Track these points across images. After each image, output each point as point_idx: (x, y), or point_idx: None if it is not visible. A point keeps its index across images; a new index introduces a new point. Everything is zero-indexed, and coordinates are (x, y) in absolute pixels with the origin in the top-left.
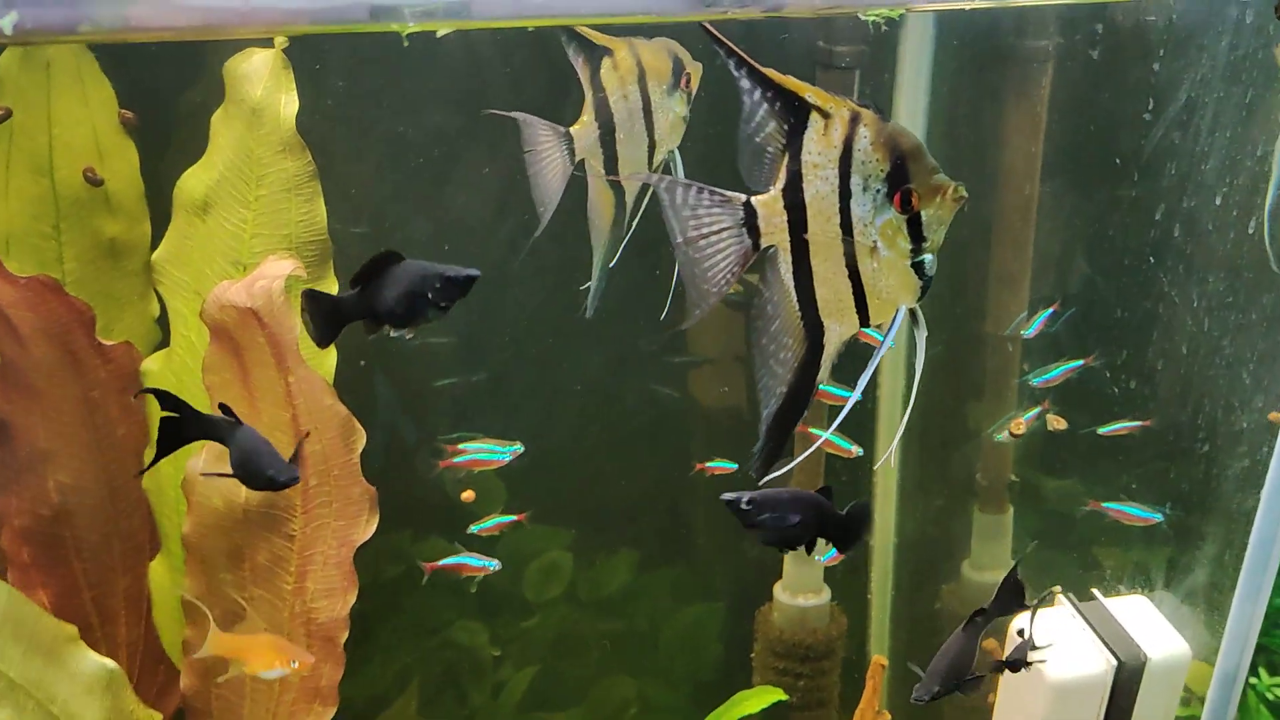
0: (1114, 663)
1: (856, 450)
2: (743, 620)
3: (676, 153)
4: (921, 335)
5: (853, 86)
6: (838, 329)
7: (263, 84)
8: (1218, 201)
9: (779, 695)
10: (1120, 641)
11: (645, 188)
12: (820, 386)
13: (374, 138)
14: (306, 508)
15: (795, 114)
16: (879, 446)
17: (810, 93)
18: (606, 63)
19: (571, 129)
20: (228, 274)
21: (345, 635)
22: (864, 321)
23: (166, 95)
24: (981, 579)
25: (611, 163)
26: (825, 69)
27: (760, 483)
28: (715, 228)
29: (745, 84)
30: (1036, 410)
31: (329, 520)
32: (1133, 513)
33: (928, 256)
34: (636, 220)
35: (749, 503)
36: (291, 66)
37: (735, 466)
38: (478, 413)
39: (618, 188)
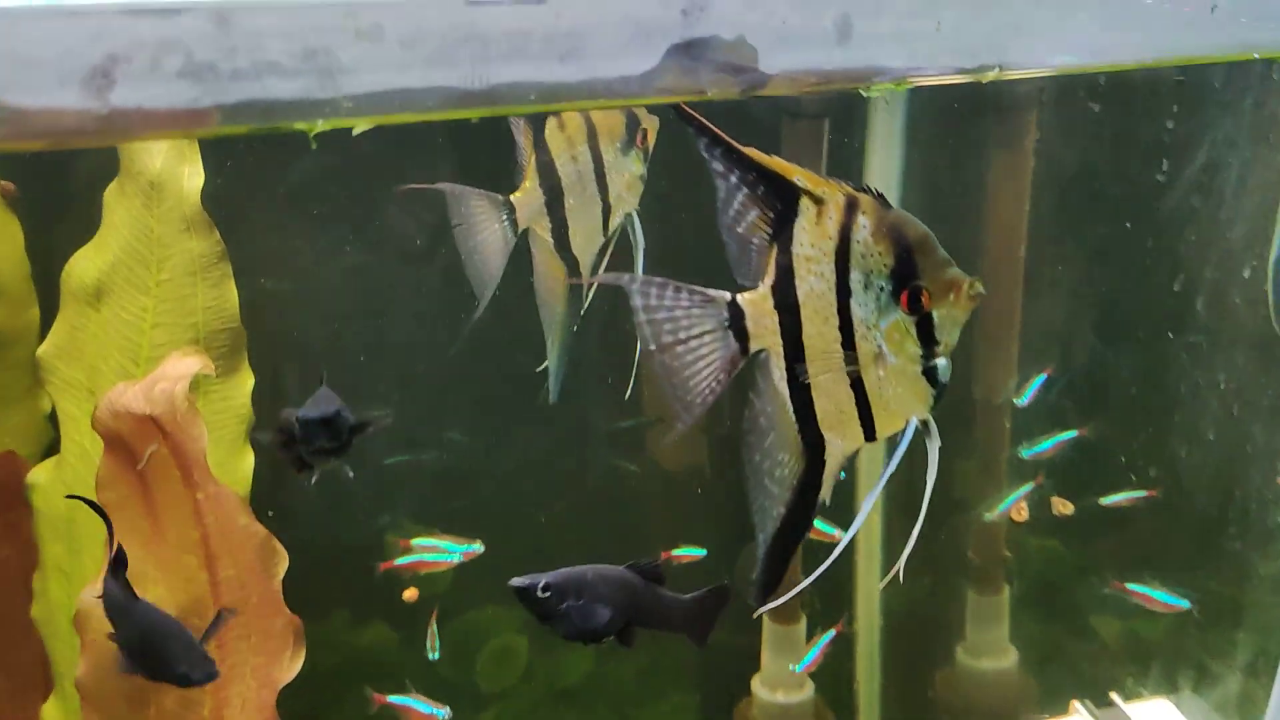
0: None
1: (840, 534)
2: (718, 713)
3: (635, 215)
4: (934, 446)
5: (822, 136)
6: (840, 444)
7: (162, 155)
8: (1245, 274)
9: None
10: None
11: (602, 254)
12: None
13: (286, 219)
14: (220, 642)
15: (783, 200)
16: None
17: (799, 175)
18: (551, 122)
19: (513, 197)
20: (125, 371)
21: None
22: (869, 436)
23: (55, 164)
24: (979, 665)
25: (561, 231)
26: (793, 117)
27: (756, 614)
28: (695, 331)
29: (718, 166)
30: (1029, 486)
31: (247, 657)
32: (1158, 597)
33: (941, 361)
34: (591, 294)
35: (545, 589)
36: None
37: (704, 552)
38: (426, 491)
39: (569, 256)
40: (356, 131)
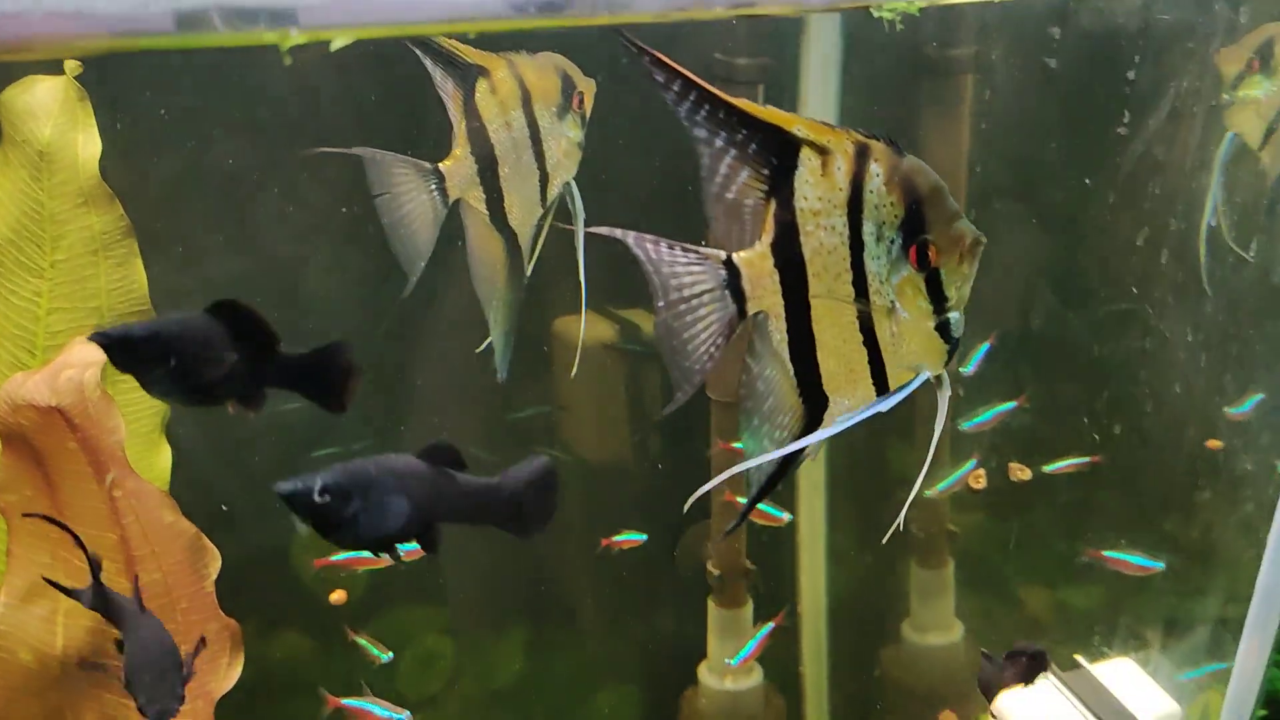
0: None
1: (786, 517)
2: (663, 704)
3: (573, 184)
4: (945, 395)
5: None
6: (846, 403)
7: (52, 121)
8: (1213, 223)
9: None
10: (1108, 712)
11: (539, 229)
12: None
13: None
14: None
15: (780, 153)
16: (800, 504)
17: (799, 124)
18: (483, 85)
19: (442, 165)
20: (19, 363)
21: None
22: (880, 391)
23: None
24: (924, 641)
25: (496, 202)
26: (725, 84)
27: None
28: (696, 290)
29: (701, 131)
30: (972, 464)
31: None
32: (1134, 561)
33: (954, 315)
34: (531, 267)
35: (324, 492)
36: (88, 97)
37: (644, 537)
38: None
39: (506, 231)
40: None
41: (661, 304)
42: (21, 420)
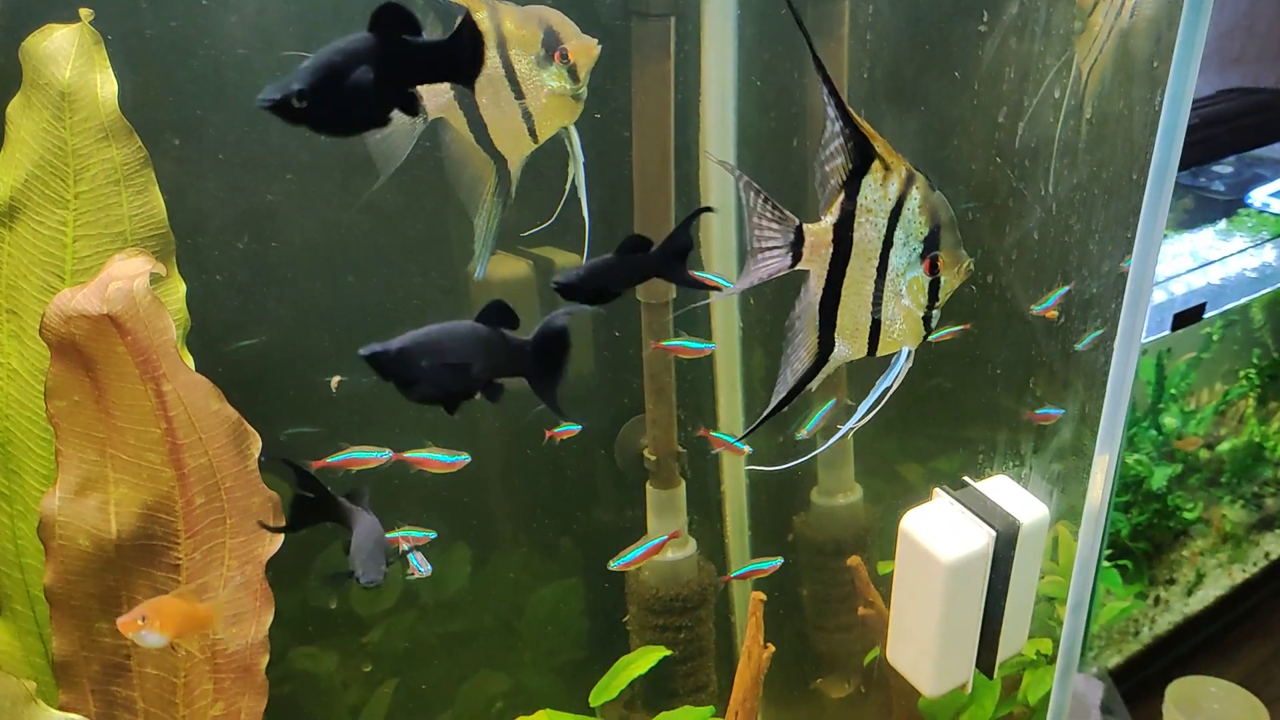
0: (992, 534)
1: (747, 450)
2: (602, 592)
3: (572, 130)
4: (907, 363)
5: (668, 34)
6: (846, 351)
7: (70, 64)
8: (1056, 94)
9: (663, 652)
10: (994, 516)
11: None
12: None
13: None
14: (192, 531)
15: (862, 157)
16: (720, 395)
17: (879, 143)
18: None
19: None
20: (50, 286)
21: (265, 660)
22: (871, 352)
23: None
24: (830, 503)
25: (479, 129)
26: (641, 18)
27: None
28: (770, 244)
29: (830, 113)
30: (832, 402)
31: (224, 540)
32: (1050, 412)
33: (935, 312)
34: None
35: (401, 352)
36: (102, 40)
37: (579, 427)
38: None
39: (492, 152)
40: None
41: (751, 248)
42: (73, 330)
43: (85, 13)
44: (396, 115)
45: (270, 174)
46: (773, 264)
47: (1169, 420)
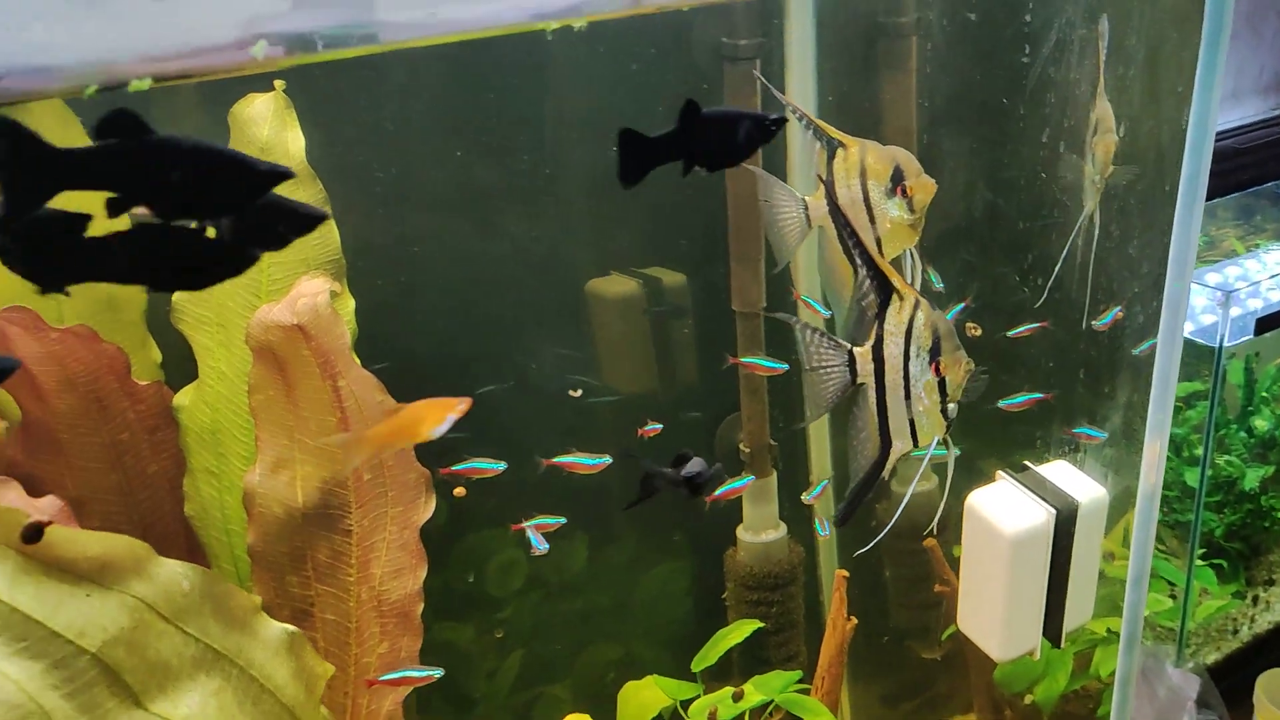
0: (1052, 512)
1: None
2: (703, 572)
3: (911, 252)
4: (951, 456)
5: (755, 76)
6: (900, 446)
7: (268, 124)
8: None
9: (756, 624)
10: (1054, 496)
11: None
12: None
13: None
14: (361, 502)
15: (884, 292)
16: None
17: (896, 279)
18: (841, 153)
19: (807, 197)
20: (249, 304)
21: (420, 607)
22: (915, 444)
23: None
24: (905, 491)
25: (845, 241)
26: (732, 61)
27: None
28: (828, 363)
29: (858, 261)
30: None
31: (386, 509)
32: (1089, 434)
33: (951, 405)
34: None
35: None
36: (293, 105)
37: (660, 426)
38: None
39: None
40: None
41: (808, 367)
42: (270, 337)
43: (279, 84)
44: (794, 217)
45: (418, 209)
46: (836, 381)
47: (1260, 423)
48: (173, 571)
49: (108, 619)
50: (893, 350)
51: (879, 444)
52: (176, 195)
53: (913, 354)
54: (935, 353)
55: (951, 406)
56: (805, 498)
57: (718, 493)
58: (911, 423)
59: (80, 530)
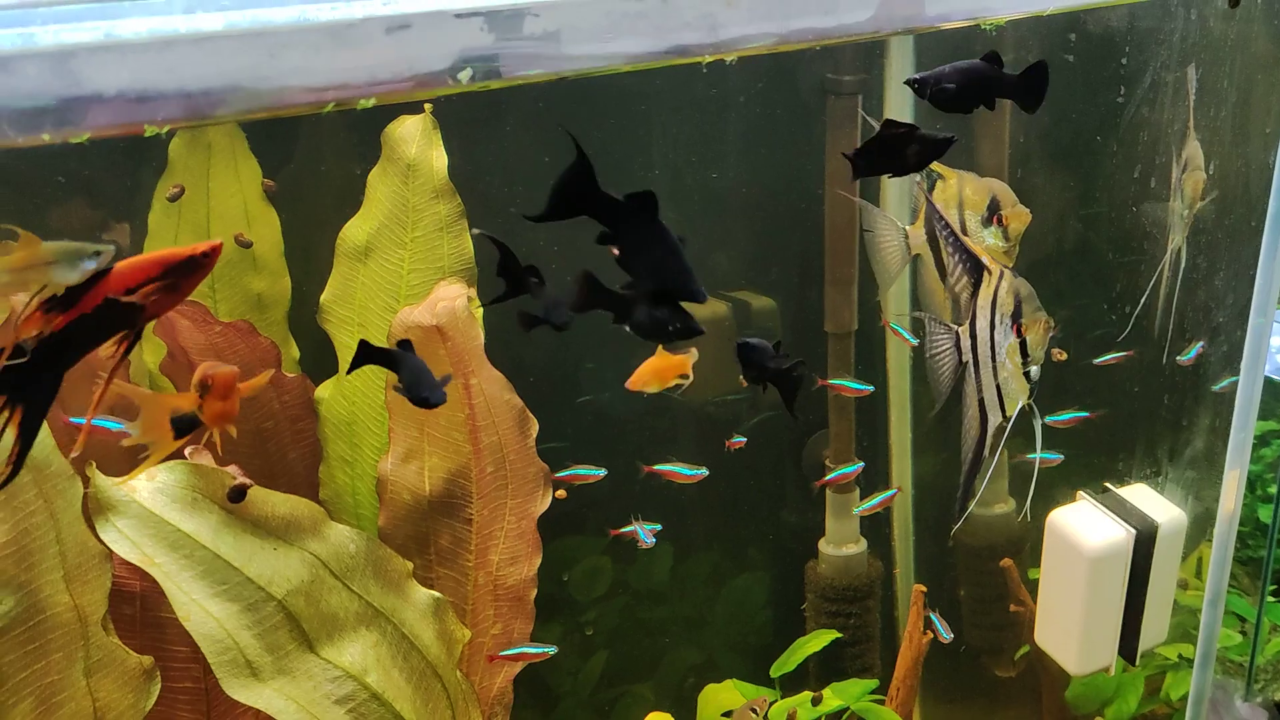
0: (1132, 532)
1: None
2: (782, 586)
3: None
4: (1038, 422)
5: (857, 109)
6: (994, 419)
7: (416, 143)
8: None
9: (834, 635)
10: (1133, 517)
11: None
12: None
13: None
14: (482, 493)
15: (975, 273)
16: (892, 413)
17: (986, 257)
18: (940, 184)
19: (908, 226)
20: (389, 307)
21: (534, 593)
22: (1004, 414)
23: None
24: (984, 513)
25: (940, 265)
26: (836, 96)
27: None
28: (941, 346)
29: (950, 249)
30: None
31: (505, 500)
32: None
33: (1033, 368)
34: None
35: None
36: (439, 126)
37: (744, 440)
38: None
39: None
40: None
41: (927, 355)
42: (410, 337)
43: (428, 106)
44: (895, 245)
45: (536, 228)
46: (949, 362)
47: None
48: (342, 534)
49: (290, 571)
50: (981, 324)
51: (979, 420)
52: None
53: (997, 322)
54: (1017, 315)
55: (1034, 369)
56: (855, 511)
57: (828, 478)
58: (999, 390)
59: (272, 491)
